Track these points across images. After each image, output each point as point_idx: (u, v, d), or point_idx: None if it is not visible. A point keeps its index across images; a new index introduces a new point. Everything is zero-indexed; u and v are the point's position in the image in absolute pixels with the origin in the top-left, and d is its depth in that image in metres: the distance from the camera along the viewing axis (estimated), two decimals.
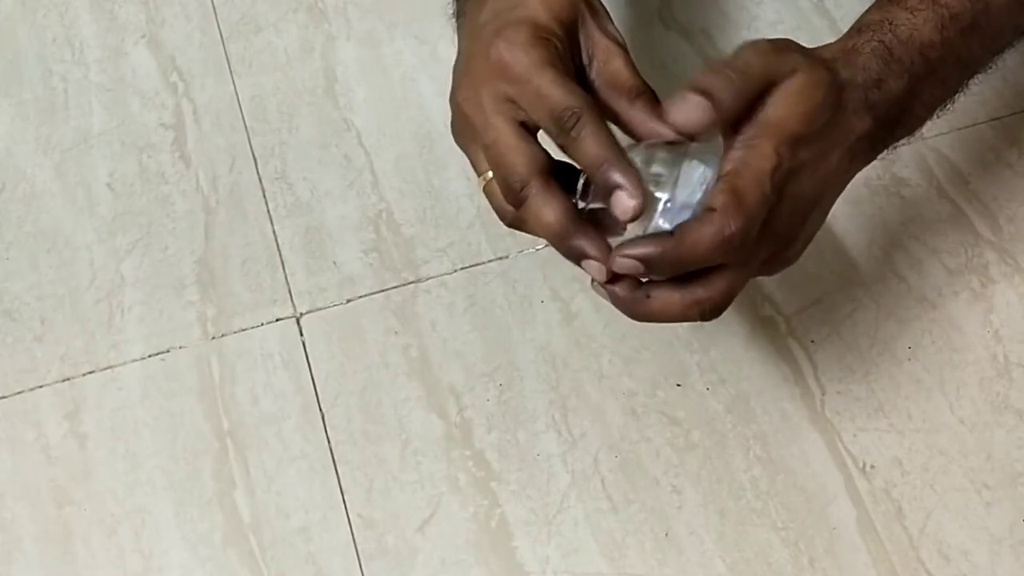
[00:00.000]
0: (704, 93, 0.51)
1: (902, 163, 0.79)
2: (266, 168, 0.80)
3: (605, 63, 0.55)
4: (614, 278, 0.53)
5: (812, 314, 0.73)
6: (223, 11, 0.88)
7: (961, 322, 0.73)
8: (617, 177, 0.50)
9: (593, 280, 0.54)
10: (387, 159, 0.80)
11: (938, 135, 0.80)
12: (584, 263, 0.53)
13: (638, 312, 0.54)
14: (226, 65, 0.85)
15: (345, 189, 0.79)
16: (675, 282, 0.53)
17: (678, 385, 0.71)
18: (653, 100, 0.54)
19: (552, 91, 0.52)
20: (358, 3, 0.88)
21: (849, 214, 0.76)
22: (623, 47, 0.56)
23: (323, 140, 0.81)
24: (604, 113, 0.54)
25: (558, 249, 0.54)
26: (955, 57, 0.59)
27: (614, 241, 0.53)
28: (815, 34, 0.85)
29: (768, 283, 0.74)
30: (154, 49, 0.86)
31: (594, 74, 0.55)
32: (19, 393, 0.71)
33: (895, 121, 0.58)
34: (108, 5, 0.88)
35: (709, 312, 0.53)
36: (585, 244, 0.53)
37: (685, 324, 0.73)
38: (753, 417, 0.70)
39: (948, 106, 0.61)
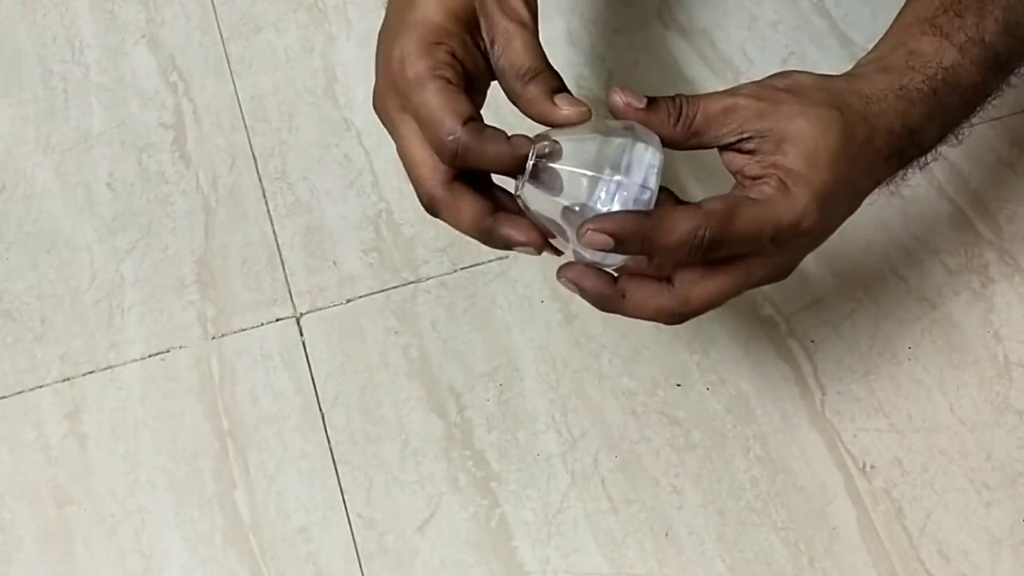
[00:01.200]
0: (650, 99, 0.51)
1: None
2: (266, 168, 0.80)
3: (505, 47, 0.53)
4: (585, 273, 0.53)
5: (812, 314, 0.73)
6: (223, 11, 0.88)
7: (961, 322, 0.73)
8: (505, 232, 0.52)
9: (561, 274, 0.53)
10: (387, 159, 0.80)
11: None
12: (518, 249, 0.53)
13: (610, 308, 0.54)
14: (226, 65, 0.85)
15: (345, 189, 0.79)
16: (651, 286, 0.53)
17: (678, 385, 0.71)
18: (548, 81, 0.53)
19: (432, 113, 0.51)
20: (358, 3, 0.88)
21: None
22: (525, 25, 0.54)
23: (323, 140, 0.81)
24: (508, 97, 0.53)
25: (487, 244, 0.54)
26: (985, 94, 0.58)
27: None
28: (815, 34, 0.85)
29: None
30: (154, 49, 0.86)
31: (496, 59, 0.54)
32: (19, 393, 0.71)
33: (915, 160, 0.57)
34: (108, 5, 0.88)
35: (678, 320, 0.54)
36: (511, 233, 0.52)
37: (686, 325, 0.73)
38: (753, 417, 0.70)
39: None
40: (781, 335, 0.73)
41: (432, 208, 0.54)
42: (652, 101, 0.51)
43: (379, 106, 0.55)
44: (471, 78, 0.54)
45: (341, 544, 0.66)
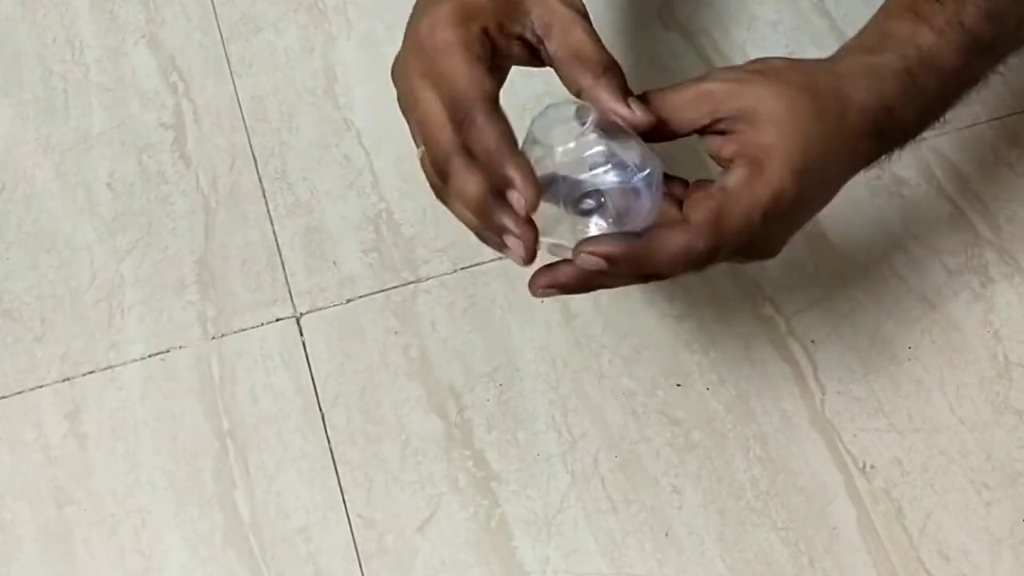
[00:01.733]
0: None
1: (902, 163, 0.79)
2: (266, 168, 0.80)
3: (565, 34, 0.53)
4: (555, 270, 0.53)
5: (812, 314, 0.73)
6: (223, 11, 0.88)
7: (961, 322, 0.73)
8: (508, 172, 0.50)
9: (536, 284, 0.54)
10: (387, 159, 0.80)
11: (938, 135, 0.80)
12: (506, 238, 0.52)
13: (590, 286, 0.54)
14: (226, 65, 0.85)
15: (345, 189, 0.79)
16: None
17: (678, 385, 0.71)
18: (618, 77, 0.53)
19: (456, 80, 0.51)
20: (358, 3, 0.88)
21: (849, 214, 0.76)
22: (583, 14, 0.54)
23: (323, 140, 0.81)
24: (568, 86, 0.53)
25: (482, 227, 0.53)
26: (967, 79, 0.58)
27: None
28: (815, 34, 0.85)
29: (768, 283, 0.74)
30: (154, 49, 0.86)
31: (554, 46, 0.54)
32: (19, 393, 0.71)
33: (897, 142, 0.58)
34: (108, 5, 0.88)
35: (652, 280, 0.54)
36: (508, 222, 0.51)
37: (686, 325, 0.73)
38: (753, 417, 0.70)
39: (941, 120, 0.61)
40: (781, 335, 0.73)
41: (445, 169, 0.52)
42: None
43: (399, 70, 0.54)
44: (498, 58, 0.54)
45: (341, 544, 0.66)
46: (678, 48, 0.85)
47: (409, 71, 0.54)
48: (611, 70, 0.53)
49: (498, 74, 0.54)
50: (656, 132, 0.53)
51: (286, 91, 0.83)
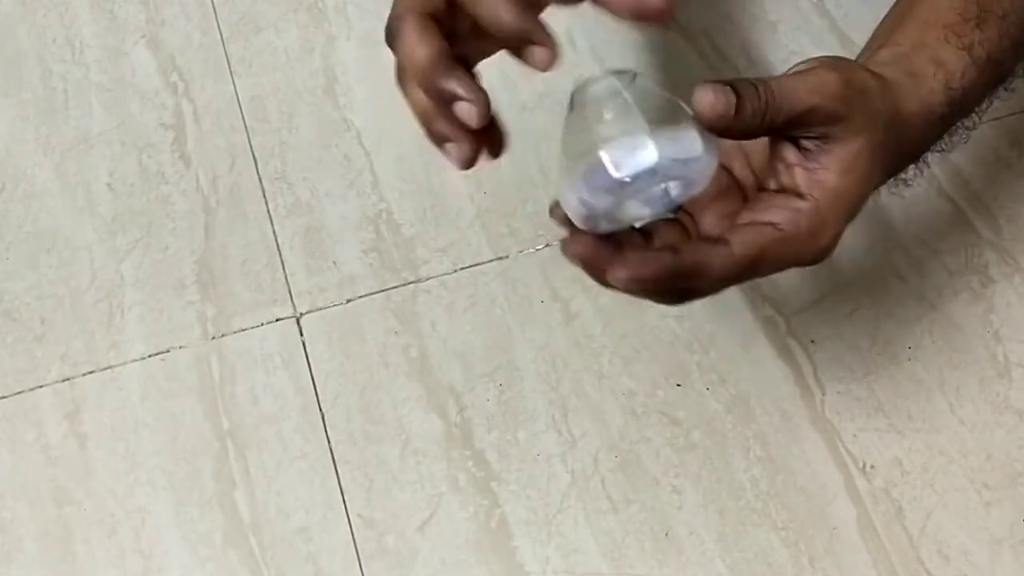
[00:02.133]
0: (736, 96, 0.47)
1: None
2: (266, 168, 0.80)
3: None
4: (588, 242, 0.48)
5: (812, 314, 0.73)
6: (223, 11, 0.88)
7: (961, 322, 0.73)
8: (450, 85, 0.46)
9: (569, 244, 0.49)
10: (387, 159, 0.80)
11: None
12: (457, 107, 0.48)
13: (602, 270, 0.50)
14: (226, 65, 0.85)
15: (345, 189, 0.79)
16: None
17: (678, 385, 0.71)
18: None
19: None
20: (358, 3, 0.88)
21: None
22: None
23: (323, 140, 0.81)
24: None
25: (430, 95, 0.49)
26: (981, 109, 0.58)
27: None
28: (815, 34, 0.85)
29: (768, 283, 0.74)
30: (154, 49, 0.86)
31: None
32: (19, 393, 0.71)
33: (907, 168, 0.57)
34: (108, 5, 0.88)
35: (688, 297, 0.51)
36: (457, 87, 0.47)
37: (685, 324, 0.73)
38: (753, 417, 0.70)
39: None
40: (781, 335, 0.73)
41: (392, 29, 0.49)
42: (739, 108, 0.47)
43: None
44: None
45: (341, 544, 0.66)
46: (678, 48, 0.85)
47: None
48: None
49: None
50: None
51: (286, 91, 0.83)
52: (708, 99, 0.47)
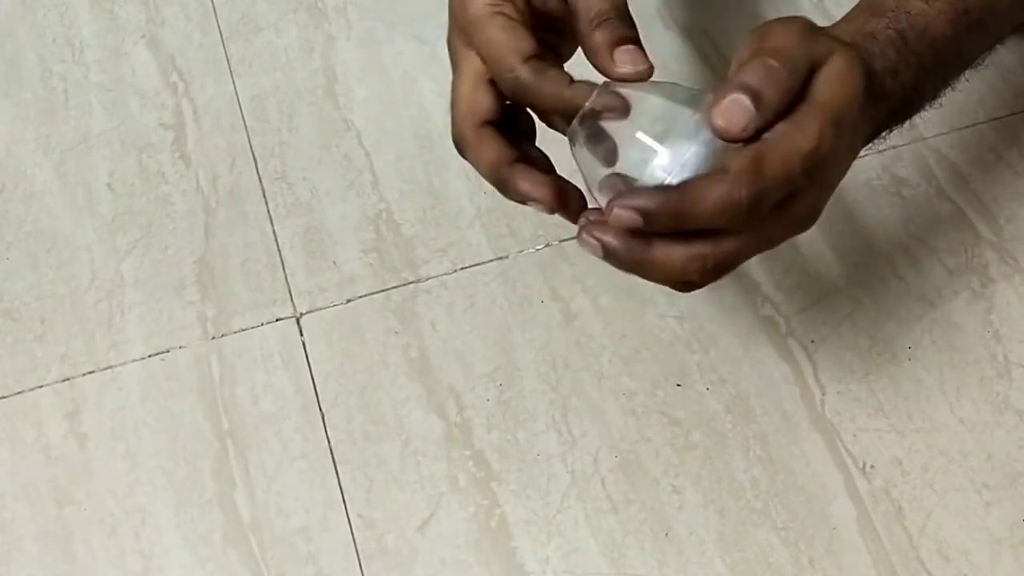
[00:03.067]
0: (752, 93, 0.48)
1: (902, 163, 0.79)
2: (266, 168, 0.80)
3: None
4: (605, 229, 0.50)
5: (812, 314, 0.73)
6: (223, 11, 0.88)
7: (961, 322, 0.73)
8: (519, 184, 0.52)
9: (582, 232, 0.51)
10: (387, 159, 0.80)
11: (938, 135, 0.80)
12: (531, 204, 0.53)
13: (633, 260, 0.51)
14: (226, 65, 0.85)
15: (345, 189, 0.79)
16: (678, 236, 0.50)
17: (678, 385, 0.71)
18: (616, 29, 0.52)
19: (494, 50, 0.52)
20: (358, 3, 0.88)
21: (849, 214, 0.76)
22: None
23: (323, 140, 0.81)
24: (581, 45, 0.52)
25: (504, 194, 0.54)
26: (959, 53, 0.58)
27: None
28: None
29: (768, 283, 0.74)
30: (154, 49, 0.86)
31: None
32: (19, 393, 0.71)
33: (900, 112, 0.57)
34: (108, 5, 0.88)
35: (710, 270, 0.51)
36: (524, 185, 0.52)
37: (685, 324, 0.73)
38: (753, 417, 0.70)
39: (939, 102, 0.60)
40: (781, 335, 0.73)
41: (458, 147, 0.54)
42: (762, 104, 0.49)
43: (449, 44, 0.55)
44: (540, 15, 0.54)
45: (341, 544, 0.66)
46: (678, 48, 0.85)
47: (454, 44, 0.55)
48: (609, 21, 0.52)
49: (549, 34, 0.54)
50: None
51: (286, 91, 0.83)
52: (729, 118, 0.49)
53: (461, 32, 0.54)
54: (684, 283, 0.52)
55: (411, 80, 0.84)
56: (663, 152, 0.49)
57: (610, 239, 0.50)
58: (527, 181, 0.52)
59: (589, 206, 0.53)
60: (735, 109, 0.48)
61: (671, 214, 0.48)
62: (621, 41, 0.52)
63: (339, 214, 0.77)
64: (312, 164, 0.80)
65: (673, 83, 0.52)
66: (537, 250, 0.76)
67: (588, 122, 0.51)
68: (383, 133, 0.81)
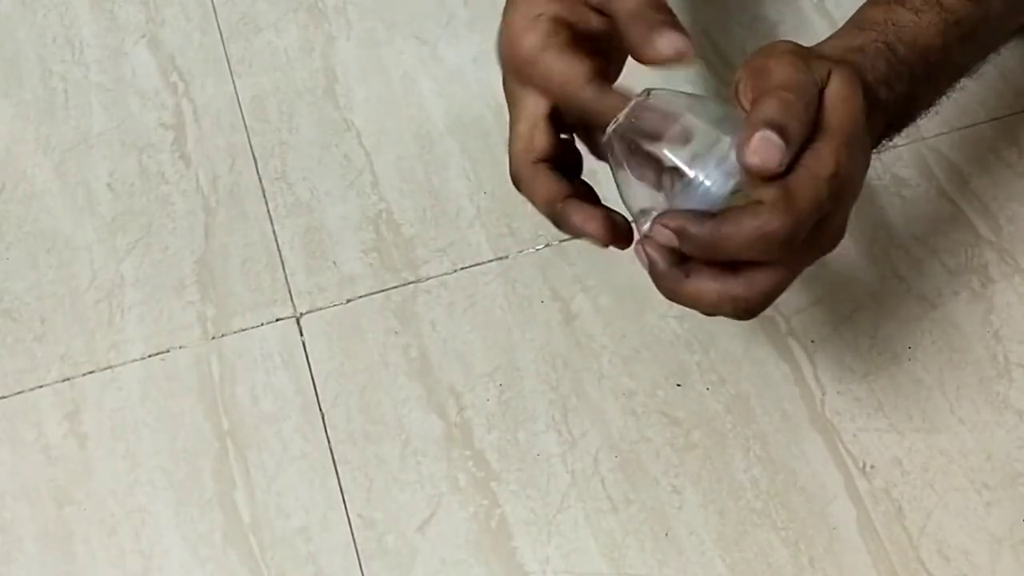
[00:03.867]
0: (778, 128, 0.49)
1: (902, 163, 0.79)
2: (266, 168, 0.80)
3: None
4: (661, 250, 0.52)
5: (812, 314, 0.73)
6: (223, 11, 0.88)
7: (961, 322, 0.73)
8: (573, 220, 0.53)
9: (639, 245, 0.52)
10: (387, 159, 0.80)
11: (938, 135, 0.80)
12: (585, 238, 0.54)
13: (670, 288, 0.52)
14: (226, 65, 0.85)
15: (345, 189, 0.79)
16: (716, 270, 0.51)
17: (678, 385, 0.71)
18: (654, 17, 0.52)
19: (554, 84, 0.53)
20: (358, 3, 0.88)
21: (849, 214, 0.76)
22: None
23: (323, 140, 0.81)
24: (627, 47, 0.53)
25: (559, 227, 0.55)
26: (951, 63, 0.58)
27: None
28: (815, 34, 0.84)
29: None
30: (154, 49, 0.86)
31: (611, 5, 0.54)
32: (19, 393, 0.71)
33: (897, 121, 0.57)
34: (108, 5, 0.88)
35: (743, 312, 0.52)
36: (577, 220, 0.53)
37: (685, 324, 0.73)
38: (753, 417, 0.70)
39: (935, 109, 0.61)
40: (781, 335, 0.73)
41: (515, 182, 0.56)
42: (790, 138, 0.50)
43: (504, 85, 0.57)
44: (587, 36, 0.54)
45: (341, 544, 0.66)
46: None
47: (510, 86, 0.56)
48: (642, 13, 0.52)
49: (599, 53, 0.55)
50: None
51: (286, 91, 0.83)
52: (764, 156, 0.49)
53: (515, 72, 0.55)
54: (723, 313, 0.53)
55: (411, 80, 0.84)
56: (700, 177, 0.50)
57: (655, 255, 0.51)
58: (580, 215, 0.53)
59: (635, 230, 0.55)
60: (767, 146, 0.49)
61: (706, 239, 0.50)
62: (659, 25, 0.52)
63: (339, 214, 0.77)
64: (312, 164, 0.80)
65: (703, 97, 0.53)
66: (537, 250, 0.76)
67: (625, 137, 0.52)
68: (383, 133, 0.81)
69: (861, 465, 0.68)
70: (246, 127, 0.82)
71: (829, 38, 0.57)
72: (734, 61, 0.83)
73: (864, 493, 0.67)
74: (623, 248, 0.54)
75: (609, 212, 0.54)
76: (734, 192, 0.50)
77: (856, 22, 0.57)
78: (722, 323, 0.73)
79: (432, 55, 0.85)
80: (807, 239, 0.51)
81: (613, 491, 0.67)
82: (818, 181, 0.50)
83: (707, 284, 0.51)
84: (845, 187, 0.51)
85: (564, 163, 0.56)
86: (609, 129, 0.52)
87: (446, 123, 0.81)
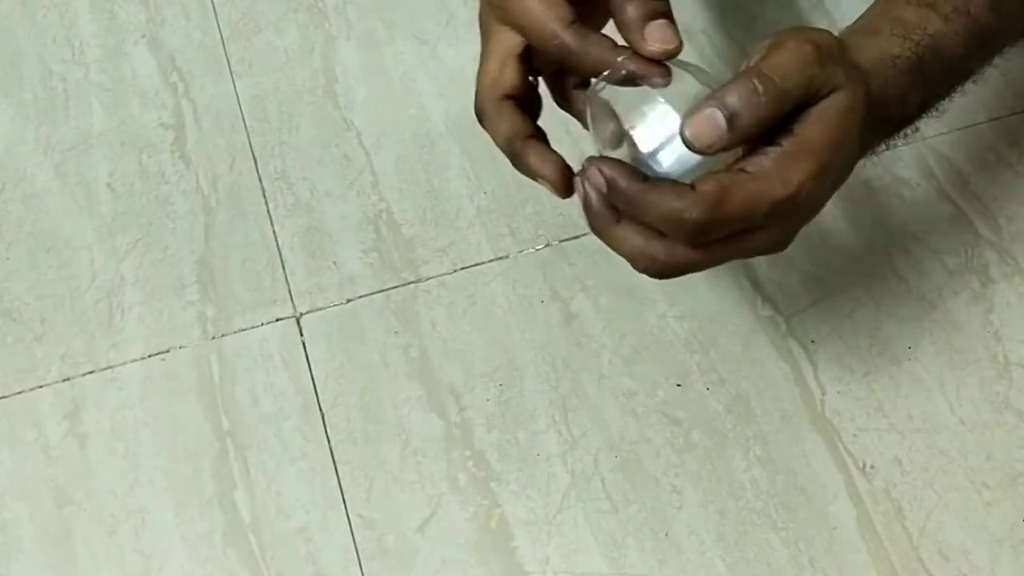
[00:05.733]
0: (730, 112, 0.48)
1: (902, 163, 0.79)
2: (266, 168, 0.80)
3: None
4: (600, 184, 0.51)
5: (812, 314, 0.73)
6: (223, 11, 0.88)
7: (961, 322, 0.73)
8: (530, 160, 0.55)
9: (577, 177, 0.52)
10: (387, 159, 0.80)
11: (938, 135, 0.80)
12: (539, 181, 0.55)
13: (598, 226, 0.52)
14: (226, 65, 0.85)
15: (345, 189, 0.79)
16: (646, 229, 0.51)
17: (678, 385, 0.71)
18: (649, 3, 0.52)
19: (534, 19, 0.53)
20: (358, 3, 0.88)
21: (849, 214, 0.76)
22: None
23: (323, 140, 0.81)
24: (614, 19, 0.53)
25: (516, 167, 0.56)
26: (968, 71, 0.59)
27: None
28: None
29: (768, 283, 0.74)
30: (154, 49, 0.86)
31: None
32: (19, 393, 0.71)
33: (899, 131, 0.58)
34: (108, 5, 0.88)
35: (656, 273, 0.52)
36: (534, 162, 0.54)
37: (685, 324, 0.73)
38: (753, 417, 0.70)
39: (936, 113, 0.60)
40: (781, 335, 0.73)
41: (478, 116, 0.56)
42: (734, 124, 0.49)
43: (480, 19, 0.57)
44: None
45: (341, 544, 0.66)
46: None
47: (486, 21, 0.56)
48: None
49: (585, 3, 0.54)
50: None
51: (286, 91, 0.83)
52: (698, 131, 0.49)
53: (493, 7, 0.55)
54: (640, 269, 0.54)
55: (411, 80, 0.84)
56: (651, 160, 0.51)
57: (591, 192, 0.51)
58: (539, 157, 0.54)
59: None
60: (707, 124, 0.49)
61: (630, 198, 0.50)
62: (653, 15, 0.52)
63: (339, 214, 0.77)
64: (312, 164, 0.80)
65: (698, 66, 0.53)
66: (537, 250, 0.76)
67: (598, 99, 0.52)
68: (383, 133, 0.81)
69: (861, 465, 0.68)
70: (246, 127, 0.82)
71: (868, 30, 0.56)
72: (734, 61, 0.83)
73: (864, 493, 0.67)
74: (567, 197, 0.55)
75: (565, 163, 0.54)
76: (698, 166, 0.50)
77: (889, 17, 0.56)
78: (722, 323, 0.73)
79: (432, 55, 0.85)
80: (729, 238, 0.51)
81: (613, 491, 0.67)
82: (761, 197, 0.49)
83: (632, 235, 0.51)
84: (799, 210, 0.51)
85: (527, 104, 0.56)
86: (594, 87, 0.52)
87: (446, 123, 0.81)
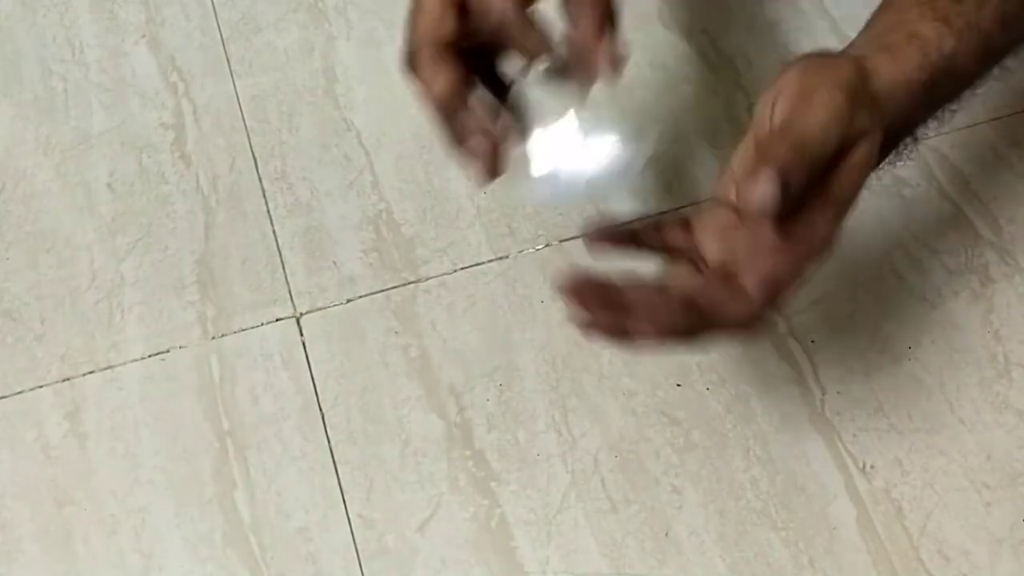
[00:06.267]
0: (782, 176, 0.49)
1: (902, 163, 0.79)
2: (266, 168, 0.80)
3: None
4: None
5: (812, 314, 0.73)
6: (223, 11, 0.88)
7: (961, 322, 0.73)
8: (465, 119, 0.52)
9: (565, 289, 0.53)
10: (387, 159, 0.80)
11: (938, 135, 0.80)
12: (463, 153, 0.52)
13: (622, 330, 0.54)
14: (226, 65, 0.85)
15: (345, 189, 0.79)
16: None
17: (678, 385, 0.71)
18: (599, 16, 0.51)
19: None
20: (358, 3, 0.88)
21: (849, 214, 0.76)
22: None
23: (323, 140, 0.81)
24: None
25: (446, 124, 0.52)
26: (974, 86, 0.59)
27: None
28: (816, 34, 0.85)
29: None
30: (154, 49, 0.86)
31: None
32: (19, 393, 0.71)
33: (901, 144, 0.58)
34: (108, 5, 0.88)
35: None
36: (469, 123, 0.51)
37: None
38: (753, 417, 0.70)
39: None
40: (781, 335, 0.73)
41: (413, 61, 0.51)
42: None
43: None
44: None
45: (341, 544, 0.66)
46: (678, 48, 0.85)
47: None
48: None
49: None
50: None
51: (286, 91, 0.83)
52: (758, 197, 0.49)
53: None
54: None
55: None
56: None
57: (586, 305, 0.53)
58: (474, 121, 0.51)
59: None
60: (765, 186, 0.49)
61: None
62: (603, 27, 0.51)
63: (339, 214, 0.77)
64: (312, 164, 0.80)
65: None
66: (537, 250, 0.76)
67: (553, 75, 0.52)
68: (383, 133, 0.81)
69: (861, 465, 0.68)
70: (246, 127, 0.82)
71: (885, 48, 0.55)
72: (734, 61, 0.83)
73: (864, 493, 0.67)
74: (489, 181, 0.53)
75: (500, 139, 0.51)
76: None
77: (904, 32, 0.55)
78: None
79: None
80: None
81: (613, 491, 0.67)
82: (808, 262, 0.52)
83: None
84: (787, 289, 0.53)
85: (466, 60, 0.52)
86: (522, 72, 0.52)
87: None
